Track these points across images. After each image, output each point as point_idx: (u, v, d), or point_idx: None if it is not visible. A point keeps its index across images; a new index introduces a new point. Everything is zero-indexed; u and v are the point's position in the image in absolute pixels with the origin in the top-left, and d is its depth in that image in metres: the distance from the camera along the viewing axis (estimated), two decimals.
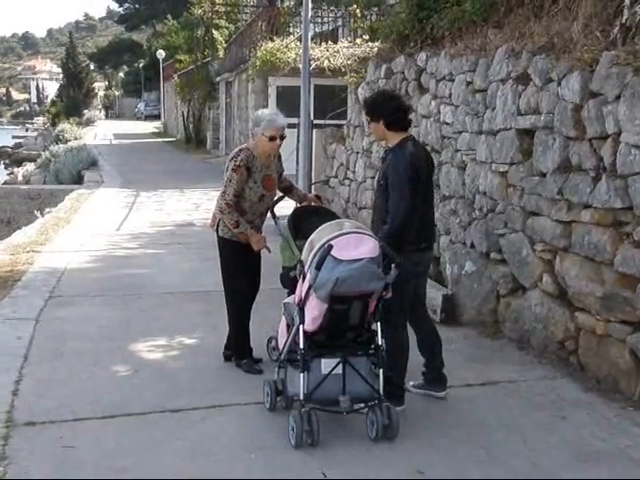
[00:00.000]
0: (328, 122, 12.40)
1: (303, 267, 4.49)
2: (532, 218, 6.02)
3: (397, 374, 4.82)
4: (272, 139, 5.41)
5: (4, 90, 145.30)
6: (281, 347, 4.87)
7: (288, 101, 18.93)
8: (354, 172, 10.43)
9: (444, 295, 6.90)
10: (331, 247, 4.25)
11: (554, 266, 5.77)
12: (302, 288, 4.48)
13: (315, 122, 11.86)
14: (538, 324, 5.96)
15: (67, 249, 10.30)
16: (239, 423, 4.75)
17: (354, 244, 4.37)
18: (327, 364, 4.50)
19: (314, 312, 4.40)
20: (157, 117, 54.63)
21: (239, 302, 5.67)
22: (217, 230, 5.65)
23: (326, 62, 15.15)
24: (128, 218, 13.33)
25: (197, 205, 14.86)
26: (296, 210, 5.87)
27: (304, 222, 5.72)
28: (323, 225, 4.58)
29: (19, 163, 40.98)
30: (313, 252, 4.40)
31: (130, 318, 7.06)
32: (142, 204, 15.19)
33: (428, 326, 5.05)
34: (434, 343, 4.99)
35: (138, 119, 61.67)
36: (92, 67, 76.13)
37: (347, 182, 10.71)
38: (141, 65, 63.72)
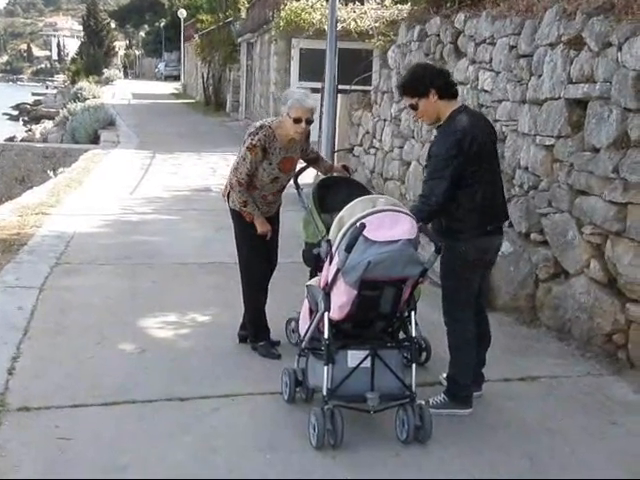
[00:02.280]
0: (354, 87, 11.80)
1: (331, 247, 3.99)
2: (581, 198, 5.47)
3: (462, 373, 4.34)
4: (297, 121, 4.85)
5: (25, 46, 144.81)
6: (302, 333, 4.39)
7: (311, 64, 18.33)
8: (380, 141, 9.88)
9: None
10: (364, 226, 3.74)
11: (604, 251, 5.24)
12: (329, 271, 3.98)
13: (340, 87, 11.26)
14: (582, 314, 5.44)
15: (78, 212, 9.86)
16: (253, 416, 4.30)
17: (389, 224, 3.86)
18: (354, 356, 4.02)
19: (342, 299, 3.91)
20: (177, 78, 53.99)
21: (254, 280, 5.20)
22: (228, 201, 5.16)
23: (353, 24, 14.50)
24: (143, 181, 12.89)
25: (214, 170, 14.37)
26: (322, 181, 5.39)
27: (330, 194, 5.28)
28: (354, 201, 4.06)
29: (37, 120, 40.64)
30: (342, 231, 3.89)
31: (139, 290, 6.61)
32: (158, 167, 14.73)
33: (482, 319, 4.54)
34: (482, 338, 4.48)
35: (158, 79, 61.08)
36: (113, 25, 75.23)
37: (373, 151, 10.17)
38: (162, 24, 62.88)
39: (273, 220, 5.27)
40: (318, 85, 17.55)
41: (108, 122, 22.90)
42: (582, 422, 4.36)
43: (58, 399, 4.38)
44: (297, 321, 5.33)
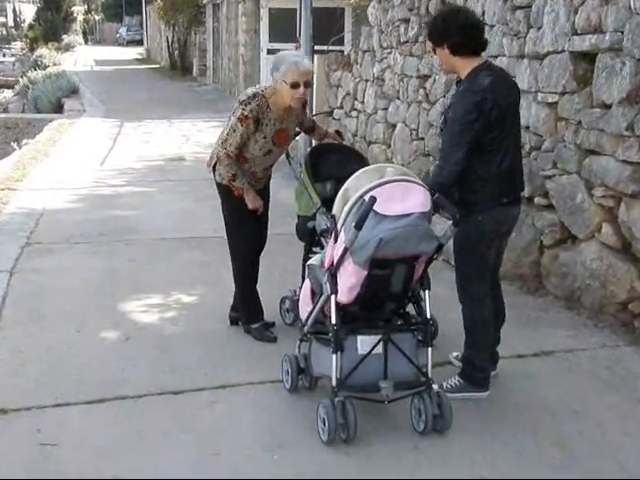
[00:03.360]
0: (330, 48, 11.31)
1: (335, 224, 3.60)
2: (590, 158, 5.13)
3: (479, 354, 4.02)
4: (295, 86, 4.40)
5: None
6: (304, 317, 4.02)
7: (282, 25, 17.73)
8: (363, 102, 9.45)
9: None
10: (374, 200, 3.35)
11: (617, 215, 4.92)
12: (334, 250, 3.60)
13: (316, 48, 10.77)
14: (594, 281, 5.13)
15: (46, 186, 9.36)
16: (255, 409, 3.94)
17: (400, 195, 3.48)
18: (365, 342, 3.66)
19: (350, 280, 3.54)
20: (140, 43, 52.73)
21: (244, 258, 4.80)
22: (214, 173, 4.73)
23: None
24: (113, 151, 12.34)
25: (187, 137, 13.83)
26: (314, 148, 5.01)
27: (323, 162, 4.92)
28: (359, 171, 3.67)
29: None
30: (349, 205, 3.51)
31: (118, 270, 6.19)
32: (127, 135, 14.15)
33: (497, 294, 4.20)
34: (498, 315, 4.15)
35: (120, 45, 59.68)
36: None
37: (354, 114, 9.73)
38: None
39: (262, 193, 4.87)
40: (290, 46, 17.15)
41: (71, 90, 22.09)
42: (607, 400, 4.06)
43: (39, 398, 3.98)
44: (292, 300, 5.02)
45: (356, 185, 3.57)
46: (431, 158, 7.55)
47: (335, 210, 3.64)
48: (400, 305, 3.84)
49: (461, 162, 3.68)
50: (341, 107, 10.27)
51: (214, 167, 4.68)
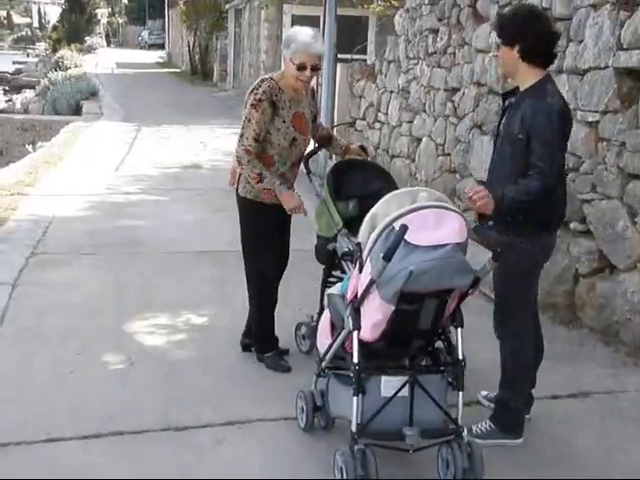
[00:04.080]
0: (354, 57, 10.99)
1: (361, 251, 3.25)
2: (635, 182, 4.76)
3: (516, 397, 3.67)
4: (301, 68, 4.08)
5: (5, 13, 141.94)
6: (322, 350, 3.67)
7: None
8: (387, 114, 9.11)
9: None
10: (405, 228, 3.01)
11: None
12: (359, 281, 3.25)
13: (339, 56, 10.45)
14: (635, 316, 4.76)
15: (57, 192, 9.07)
16: (266, 450, 3.59)
17: (434, 223, 3.13)
18: (389, 384, 3.31)
19: (376, 316, 3.19)
20: (161, 46, 52.69)
21: (263, 283, 4.45)
22: (237, 188, 4.39)
23: None
24: (128, 156, 12.06)
25: (204, 144, 13.53)
26: (337, 165, 4.65)
27: (347, 180, 4.60)
28: (389, 195, 3.33)
29: (19, 90, 39.30)
30: (377, 232, 3.16)
31: (126, 285, 5.87)
32: (144, 141, 13.88)
33: (536, 329, 3.84)
34: (536, 353, 3.79)
35: (142, 48, 59.65)
36: None
37: (378, 125, 9.40)
38: None
39: (286, 213, 4.53)
40: None
41: (91, 92, 21.92)
42: None
43: (31, 432, 3.65)
44: (308, 326, 4.68)
45: (385, 210, 3.23)
46: (457, 175, 7.19)
47: (361, 237, 3.29)
48: (429, 342, 3.48)
49: (561, 168, 3.39)
50: (364, 118, 9.94)
51: (238, 181, 4.34)
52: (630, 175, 4.79)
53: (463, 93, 7.17)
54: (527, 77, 3.48)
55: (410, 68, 8.41)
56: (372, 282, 3.12)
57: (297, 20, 16.97)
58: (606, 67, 5.05)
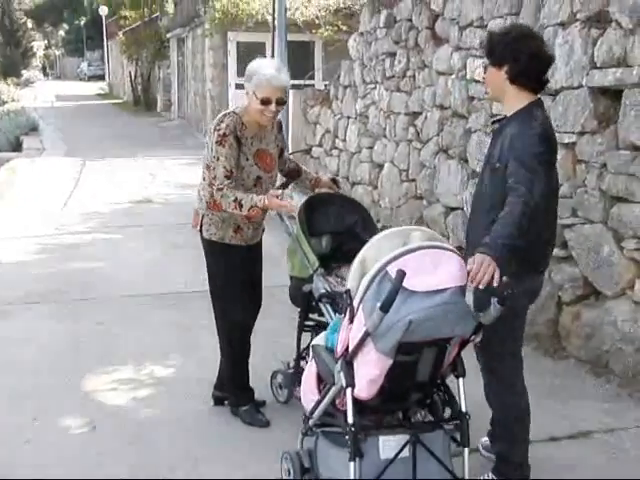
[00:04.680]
0: (307, 82, 10.76)
1: (351, 300, 2.95)
2: (619, 206, 4.56)
3: (515, 450, 3.37)
4: (265, 102, 3.82)
5: None
6: (308, 407, 3.34)
7: (251, 59, 17.18)
8: (345, 140, 8.86)
9: None
10: (403, 275, 2.71)
11: None
12: (350, 333, 2.94)
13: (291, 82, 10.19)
14: (626, 345, 4.54)
15: (1, 235, 8.57)
16: None
17: (431, 266, 2.85)
18: (388, 444, 3.00)
19: (372, 371, 2.88)
20: (101, 77, 51.89)
21: (236, 333, 4.11)
22: (201, 230, 4.06)
23: (297, 13, 13.41)
24: (75, 192, 11.58)
25: (153, 176, 13.10)
26: (308, 200, 4.35)
27: (319, 215, 4.31)
28: (378, 236, 3.05)
29: None
30: (368, 278, 2.87)
31: (82, 336, 5.46)
32: (90, 175, 13.39)
33: None
34: None
35: (81, 80, 58.73)
36: (30, 25, 72.12)
37: (336, 152, 9.15)
38: (82, 23, 60.49)
39: (256, 250, 4.23)
40: None
41: (31, 127, 21.24)
42: None
43: None
44: (285, 374, 4.36)
45: (376, 254, 2.93)
46: (424, 202, 6.96)
47: (350, 284, 2.99)
48: (427, 395, 3.19)
49: (542, 196, 2.97)
50: (320, 145, 9.68)
51: (201, 223, 4.01)
52: (614, 198, 4.60)
53: (426, 117, 6.96)
54: (514, 102, 3.23)
55: (367, 93, 8.19)
56: (367, 334, 2.82)
57: (242, 47, 16.75)
58: (579, 86, 4.87)
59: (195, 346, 5.16)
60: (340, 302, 3.93)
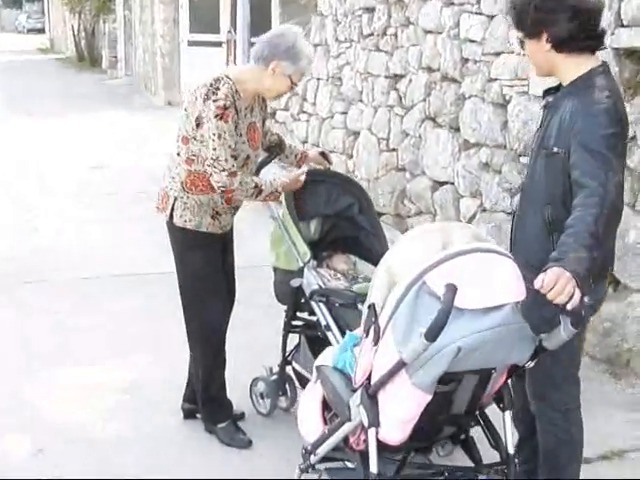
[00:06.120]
0: None
1: (376, 317, 2.31)
2: None
3: None
4: (293, 87, 3.38)
5: None
6: (309, 439, 2.72)
7: (204, 15, 16.23)
8: (314, 104, 8.15)
9: None
10: (455, 290, 2.07)
11: None
12: (375, 358, 2.31)
13: (253, 40, 9.40)
14: None
15: None
16: None
17: (482, 275, 2.22)
18: None
19: (406, 410, 2.26)
20: (41, 31, 49.74)
21: (214, 338, 3.46)
22: (171, 216, 3.36)
23: None
24: (14, 157, 10.60)
25: (104, 138, 12.08)
26: None
27: (307, 196, 3.68)
28: (409, 235, 2.41)
29: None
30: (401, 290, 2.22)
31: (29, 327, 4.74)
32: (34, 137, 12.38)
33: None
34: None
35: (19, 33, 56.27)
36: None
37: (304, 117, 8.43)
38: None
39: (230, 237, 3.58)
40: (214, 38, 15.69)
41: None
42: None
43: None
44: (267, 382, 3.75)
45: (408, 258, 2.29)
46: (407, 174, 6.33)
47: (374, 296, 2.34)
48: (461, 429, 2.58)
49: (619, 191, 2.40)
50: (286, 109, 8.94)
51: (173, 207, 3.32)
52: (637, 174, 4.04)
53: (410, 80, 6.30)
54: (568, 71, 2.57)
55: (341, 52, 7.48)
56: (402, 364, 2.18)
57: (195, 1, 15.79)
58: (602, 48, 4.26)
59: (164, 340, 4.48)
60: (335, 300, 3.36)
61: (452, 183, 5.68)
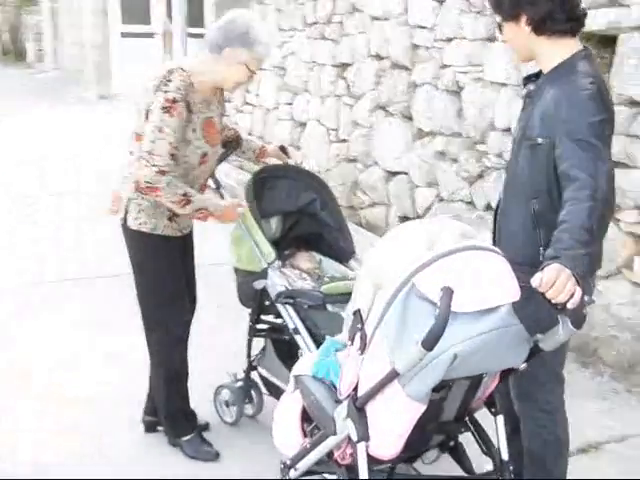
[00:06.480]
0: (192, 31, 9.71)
1: (362, 323, 2.15)
2: (616, 172, 3.92)
3: None
4: (252, 75, 3.10)
5: None
6: (287, 451, 2.55)
7: (134, 5, 15.82)
8: (258, 95, 7.94)
9: None
10: (451, 293, 1.92)
11: None
12: (363, 370, 2.15)
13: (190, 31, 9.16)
14: (622, 332, 3.98)
15: None
16: None
17: (475, 275, 2.08)
18: None
19: (401, 423, 2.10)
20: None
21: (176, 347, 3.25)
22: (125, 219, 3.14)
23: None
24: None
25: (38, 134, 11.58)
26: (257, 173, 3.51)
27: (267, 192, 3.50)
28: (391, 235, 2.24)
29: None
30: (389, 293, 2.06)
31: None
32: None
33: None
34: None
35: None
36: None
37: (248, 109, 8.21)
38: None
39: (190, 239, 3.38)
40: (147, 29, 15.29)
41: None
42: None
43: None
44: (232, 389, 3.56)
45: (393, 259, 2.13)
46: (359, 165, 6.18)
47: (359, 302, 2.18)
48: (450, 436, 2.45)
49: (609, 182, 2.28)
50: (228, 101, 8.69)
51: (127, 210, 3.10)
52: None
53: (358, 69, 6.15)
54: (549, 56, 2.44)
55: (285, 42, 7.28)
56: (394, 374, 2.03)
57: None
58: None
59: (118, 349, 4.24)
60: (303, 301, 3.20)
61: (406, 173, 5.56)
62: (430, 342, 1.88)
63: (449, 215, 4.92)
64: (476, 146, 4.88)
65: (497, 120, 4.66)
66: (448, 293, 1.91)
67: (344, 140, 6.40)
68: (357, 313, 2.15)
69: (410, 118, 5.52)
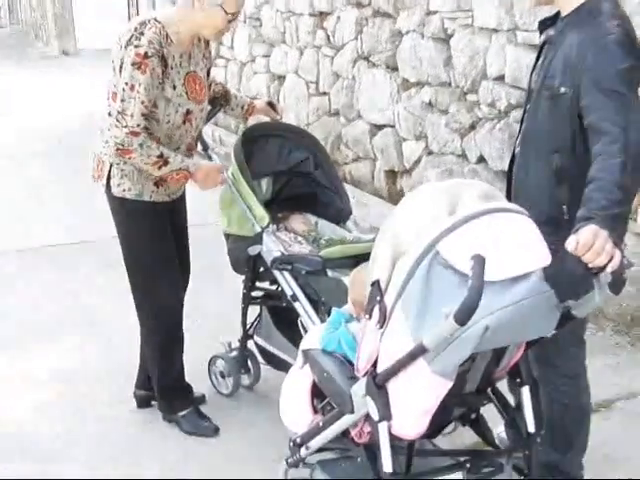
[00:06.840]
0: None
1: (381, 294, 1.98)
2: None
3: (573, 459, 2.58)
4: (232, 19, 2.85)
5: None
6: (297, 429, 2.41)
7: None
8: (232, 48, 7.65)
9: None
10: (483, 261, 1.76)
11: None
12: (384, 345, 1.99)
13: None
14: (629, 285, 3.85)
15: None
16: None
17: (504, 239, 1.91)
18: None
19: (427, 401, 1.96)
20: None
21: (169, 317, 3.08)
22: (108, 185, 2.92)
23: None
24: None
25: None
26: (245, 133, 3.31)
27: (256, 152, 3.31)
28: (408, 200, 2.07)
29: None
30: (411, 261, 1.89)
31: None
32: None
33: None
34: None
35: None
36: None
37: (222, 62, 7.90)
38: None
39: (181, 203, 3.18)
40: None
41: None
42: None
43: None
44: (227, 359, 3.41)
45: (414, 224, 1.96)
46: (342, 118, 5.97)
47: (376, 272, 2.01)
48: (472, 408, 2.31)
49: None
50: None
51: (109, 176, 2.89)
52: None
53: (338, 17, 5.89)
54: None
55: None
56: (422, 350, 1.86)
57: None
58: None
59: (93, 319, 4.09)
60: (301, 267, 3.03)
61: (392, 126, 5.37)
62: (463, 315, 1.72)
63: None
64: (467, 96, 4.69)
65: (489, 68, 4.47)
66: (480, 261, 1.74)
67: (325, 93, 6.17)
68: (375, 284, 1.98)
69: (395, 69, 5.30)
